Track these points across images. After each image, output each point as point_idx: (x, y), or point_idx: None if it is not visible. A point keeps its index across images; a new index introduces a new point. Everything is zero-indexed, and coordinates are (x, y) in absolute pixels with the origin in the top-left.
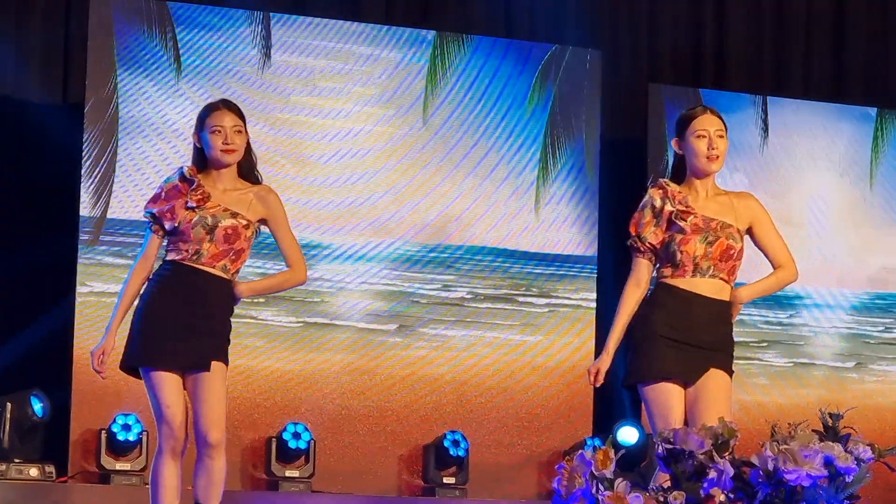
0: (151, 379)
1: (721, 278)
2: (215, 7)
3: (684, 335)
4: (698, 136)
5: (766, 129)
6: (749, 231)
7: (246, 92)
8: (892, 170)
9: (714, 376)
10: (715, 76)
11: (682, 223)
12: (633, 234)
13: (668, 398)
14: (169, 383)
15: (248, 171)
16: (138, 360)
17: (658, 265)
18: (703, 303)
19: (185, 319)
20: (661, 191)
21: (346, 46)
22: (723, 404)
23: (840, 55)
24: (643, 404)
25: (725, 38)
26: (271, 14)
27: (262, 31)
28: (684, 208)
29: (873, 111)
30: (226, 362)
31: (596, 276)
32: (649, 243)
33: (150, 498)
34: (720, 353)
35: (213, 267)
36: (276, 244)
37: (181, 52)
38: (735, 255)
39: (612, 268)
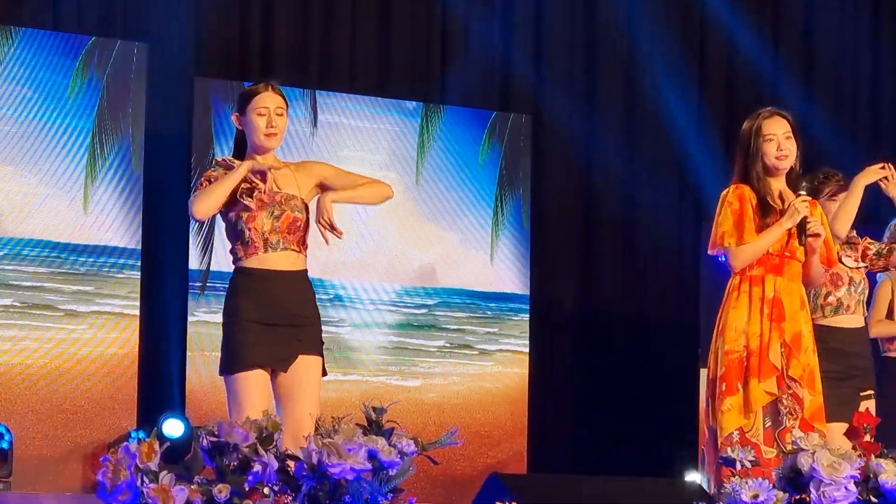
0: None
1: (293, 250)
2: None
3: (271, 315)
4: (259, 114)
5: (315, 123)
6: (322, 188)
7: None
8: (437, 165)
9: (305, 364)
10: (262, 70)
11: (247, 201)
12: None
13: (250, 389)
14: None
15: None
16: None
17: (231, 246)
18: (281, 277)
19: None
20: (226, 166)
21: None
22: (312, 395)
23: (387, 49)
24: (227, 394)
25: (272, 32)
26: None
27: None
28: (248, 185)
29: (419, 106)
30: None
31: (140, 268)
32: None
33: None
34: (308, 331)
35: None
36: None
37: None
38: (301, 226)
39: (156, 260)
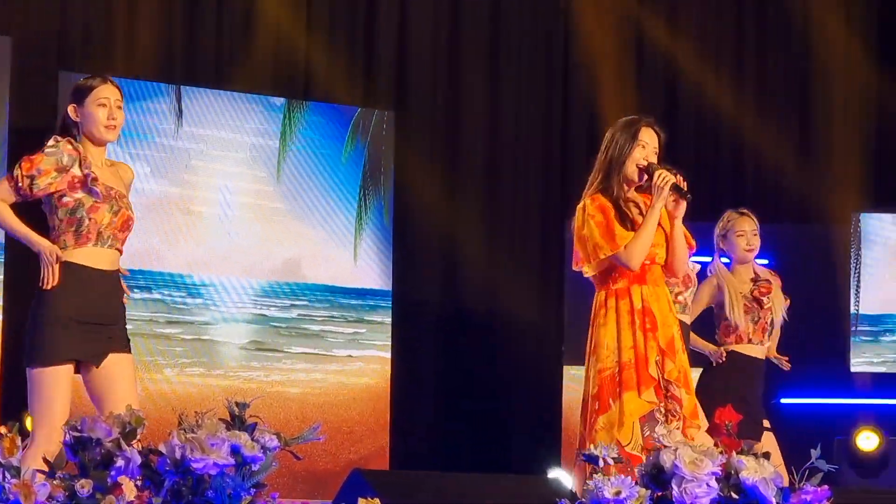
0: None
1: (117, 248)
2: None
3: (85, 314)
4: (100, 104)
5: (180, 118)
6: None
7: None
8: (298, 161)
9: (118, 362)
10: (126, 64)
11: (97, 187)
12: (27, 172)
13: (59, 384)
14: None
15: None
16: None
17: (54, 230)
18: (102, 276)
19: None
20: (75, 151)
21: None
22: (131, 391)
23: (252, 46)
24: (29, 386)
25: (137, 26)
26: None
27: None
28: (95, 175)
29: (282, 101)
30: None
31: (3, 262)
32: (39, 191)
33: None
34: (117, 330)
35: None
36: None
37: None
38: (131, 225)
39: (20, 253)
